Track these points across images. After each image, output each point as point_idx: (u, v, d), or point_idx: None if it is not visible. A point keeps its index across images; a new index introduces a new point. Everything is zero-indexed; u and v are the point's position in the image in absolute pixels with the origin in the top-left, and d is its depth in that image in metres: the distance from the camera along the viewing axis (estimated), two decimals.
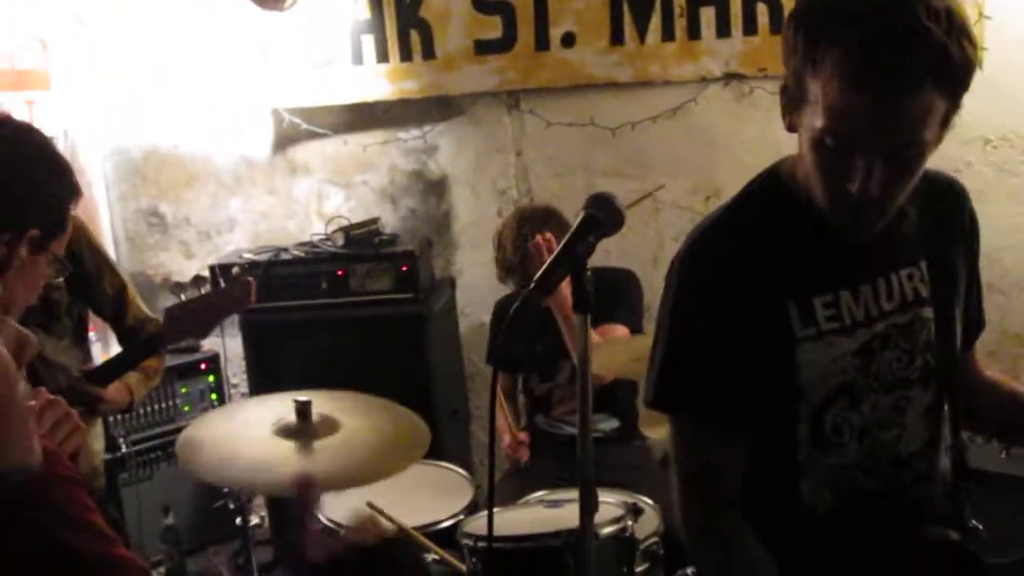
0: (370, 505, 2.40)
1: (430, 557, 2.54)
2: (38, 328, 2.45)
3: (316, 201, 4.27)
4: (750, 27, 3.74)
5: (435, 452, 2.61)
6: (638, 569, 2.40)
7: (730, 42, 3.77)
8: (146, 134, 4.28)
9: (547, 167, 4.06)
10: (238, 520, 3.10)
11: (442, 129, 4.12)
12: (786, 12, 3.63)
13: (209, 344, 3.93)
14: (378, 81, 3.99)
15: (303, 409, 2.27)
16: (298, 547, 1.11)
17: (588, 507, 1.58)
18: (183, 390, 3.89)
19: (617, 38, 3.84)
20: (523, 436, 3.34)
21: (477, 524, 2.49)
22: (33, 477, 1.02)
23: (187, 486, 3.77)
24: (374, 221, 4.02)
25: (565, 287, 1.51)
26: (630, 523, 2.38)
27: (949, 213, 1.71)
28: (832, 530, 1.65)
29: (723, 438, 1.62)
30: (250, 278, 2.66)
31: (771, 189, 1.65)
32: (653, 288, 3.65)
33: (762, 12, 3.71)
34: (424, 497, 2.83)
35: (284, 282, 3.79)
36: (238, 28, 4.01)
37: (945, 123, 1.47)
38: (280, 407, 2.29)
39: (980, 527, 1.73)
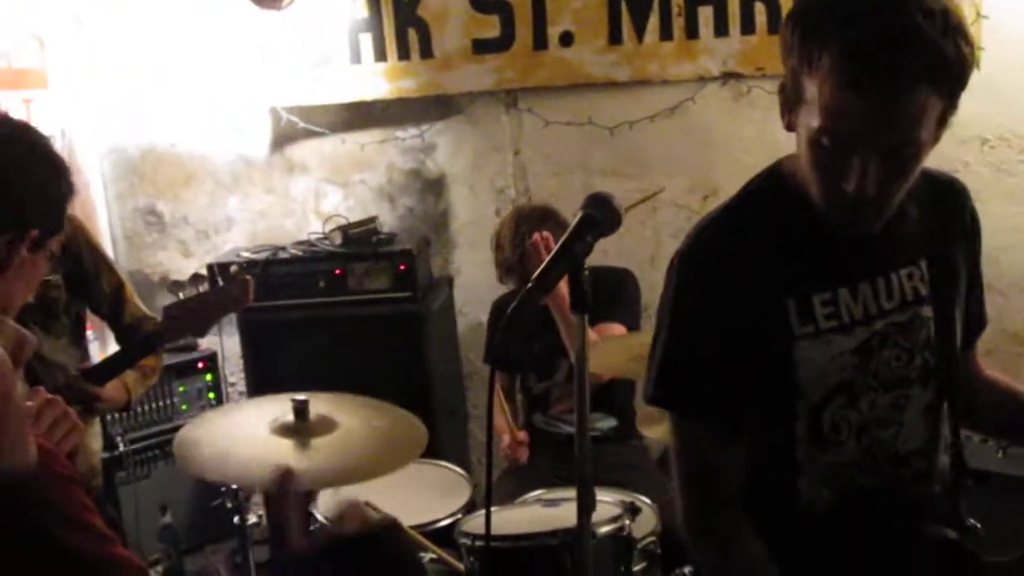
0: (368, 504, 2.40)
1: (428, 556, 2.54)
2: (36, 326, 2.45)
3: (314, 200, 4.26)
4: (748, 26, 3.74)
5: (433, 451, 2.62)
6: (635, 568, 2.40)
7: (728, 41, 3.77)
8: (144, 133, 4.28)
9: (545, 166, 4.06)
10: (236, 519, 3.09)
11: (440, 128, 4.12)
12: (784, 11, 3.66)
13: (207, 343, 3.93)
14: (376, 80, 3.99)
15: (300, 408, 2.28)
16: (283, 539, 1.09)
17: (585, 506, 1.58)
18: (181, 389, 3.89)
19: (615, 37, 3.84)
20: (522, 436, 3.34)
21: (475, 523, 2.49)
22: (31, 476, 1.02)
23: (185, 485, 3.77)
24: (372, 220, 4.02)
25: (563, 286, 1.51)
26: (627, 522, 2.38)
27: (950, 212, 1.72)
28: (830, 528, 1.65)
29: (722, 436, 1.62)
30: (248, 277, 2.66)
31: (771, 188, 1.66)
32: (651, 287, 3.65)
33: (760, 11, 3.71)
34: (422, 496, 2.84)
35: (282, 281, 3.79)
36: (236, 27, 4.01)
37: (942, 123, 1.47)
38: (277, 407, 2.30)
39: (978, 526, 1.73)
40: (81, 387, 2.46)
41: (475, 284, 4.11)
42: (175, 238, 4.38)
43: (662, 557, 2.48)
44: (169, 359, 3.40)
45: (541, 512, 2.59)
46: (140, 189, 4.35)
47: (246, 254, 3.92)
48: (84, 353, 2.70)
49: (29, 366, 2.27)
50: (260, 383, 3.83)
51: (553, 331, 3.09)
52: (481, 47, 3.91)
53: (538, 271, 1.48)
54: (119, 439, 3.61)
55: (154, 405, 3.79)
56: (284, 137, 4.21)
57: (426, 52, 3.94)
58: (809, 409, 1.61)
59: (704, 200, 3.89)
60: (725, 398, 1.60)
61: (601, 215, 1.53)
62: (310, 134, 4.16)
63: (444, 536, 2.59)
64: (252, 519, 3.17)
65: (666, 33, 3.80)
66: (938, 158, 1.57)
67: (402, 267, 3.77)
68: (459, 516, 2.67)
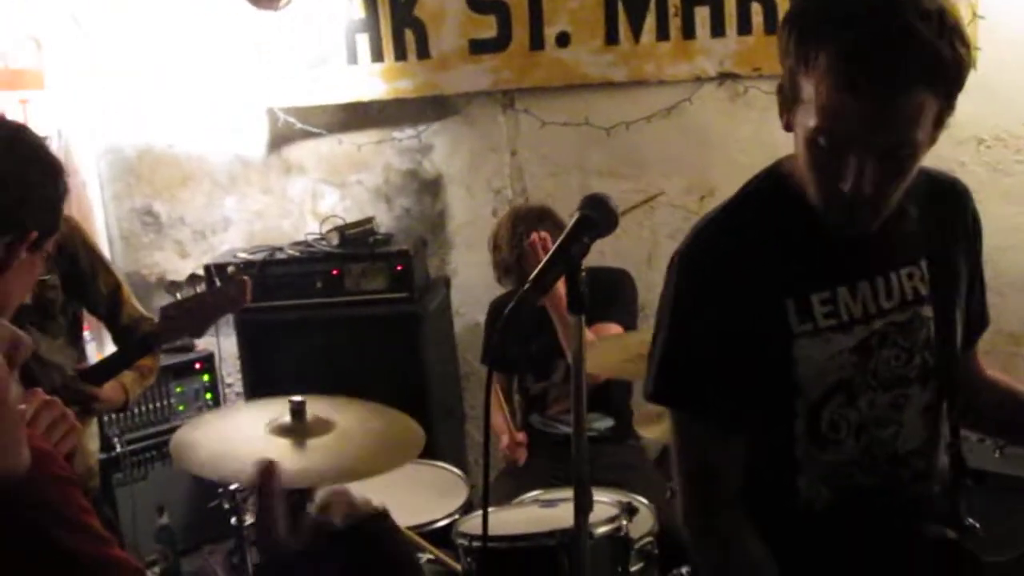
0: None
1: (425, 557, 2.54)
2: (33, 327, 2.45)
3: (311, 200, 4.26)
4: (744, 27, 3.74)
5: (430, 452, 2.62)
6: (633, 569, 2.40)
7: (724, 42, 3.77)
8: (140, 133, 4.27)
9: (542, 167, 4.06)
10: (233, 520, 3.09)
11: (437, 128, 4.12)
12: (780, 12, 3.70)
13: (204, 344, 3.92)
14: (373, 80, 3.99)
15: (298, 409, 2.29)
16: (267, 535, 1.05)
17: (583, 506, 1.58)
18: (178, 390, 3.88)
19: (612, 38, 3.84)
20: (521, 437, 3.34)
21: (472, 524, 2.50)
22: (28, 478, 1.01)
23: (182, 486, 3.77)
24: (369, 220, 4.02)
25: (560, 286, 1.52)
26: (625, 522, 2.39)
27: (951, 213, 1.72)
28: (829, 527, 1.65)
29: (722, 435, 1.63)
30: (245, 277, 2.66)
31: (770, 188, 1.66)
32: (648, 287, 3.66)
33: (756, 12, 3.72)
34: (419, 497, 2.84)
35: (279, 281, 3.79)
36: (233, 27, 4.01)
37: (939, 123, 1.48)
38: (275, 409, 2.31)
39: (977, 525, 1.74)
40: (79, 388, 2.46)
41: (472, 285, 4.11)
42: (172, 239, 4.38)
43: (659, 557, 2.49)
44: (166, 360, 3.40)
45: (538, 512, 2.59)
46: (137, 190, 4.35)
47: (243, 255, 3.92)
48: (81, 354, 2.69)
49: (26, 367, 2.26)
50: (257, 384, 3.83)
51: (550, 332, 3.09)
52: (478, 47, 3.91)
53: (535, 272, 1.48)
54: (116, 440, 3.60)
55: (151, 406, 3.78)
56: (281, 138, 4.20)
57: (423, 52, 3.94)
58: (808, 407, 1.61)
59: (701, 201, 3.90)
60: (725, 396, 1.60)
61: (598, 216, 1.53)
62: (307, 135, 4.16)
63: (441, 537, 2.59)
64: (249, 520, 3.17)
65: (663, 33, 3.80)
66: (935, 158, 1.58)
67: (399, 268, 3.77)
68: (456, 517, 2.67)
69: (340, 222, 3.98)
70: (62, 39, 4.06)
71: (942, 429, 1.71)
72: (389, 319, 3.75)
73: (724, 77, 3.82)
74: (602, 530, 2.34)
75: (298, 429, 2.28)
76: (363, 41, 3.96)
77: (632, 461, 3.27)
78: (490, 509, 1.72)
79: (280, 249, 3.95)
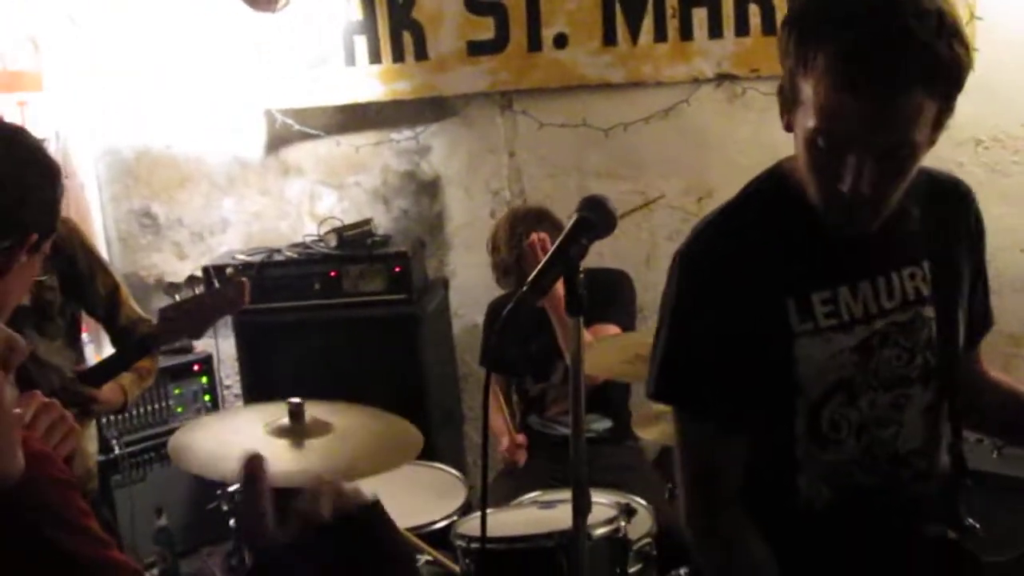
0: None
1: (423, 558, 2.54)
2: (31, 329, 2.45)
3: (309, 202, 4.26)
4: (742, 28, 3.75)
5: (428, 453, 2.62)
6: (631, 570, 2.40)
7: (722, 43, 3.78)
8: (138, 135, 4.27)
9: (540, 168, 4.06)
10: (231, 521, 3.09)
11: (435, 130, 4.12)
12: (778, 13, 3.70)
13: (202, 345, 3.92)
14: (371, 82, 3.99)
15: (296, 410, 2.29)
16: (253, 531, 1.01)
17: (581, 508, 1.58)
18: (176, 391, 3.88)
19: (609, 39, 3.84)
20: (521, 439, 3.34)
21: (470, 525, 2.49)
22: (27, 480, 1.01)
23: (180, 487, 3.76)
24: (367, 222, 4.02)
25: (559, 288, 1.52)
26: (623, 524, 2.39)
27: (953, 213, 1.72)
28: (829, 526, 1.65)
29: (724, 434, 1.63)
30: (244, 279, 2.66)
31: (771, 188, 1.67)
32: (646, 288, 3.66)
33: (754, 13, 3.72)
34: (418, 498, 2.84)
35: (277, 283, 3.79)
36: (231, 29, 4.01)
37: (938, 125, 1.48)
38: (273, 412, 2.31)
39: (977, 526, 1.74)
40: (77, 389, 2.46)
41: (470, 286, 4.11)
42: (170, 240, 4.38)
43: (658, 558, 2.49)
44: (164, 362, 3.40)
45: (537, 514, 2.59)
46: (135, 191, 4.35)
47: (241, 256, 3.91)
48: (79, 355, 2.69)
49: (24, 369, 2.26)
50: (256, 385, 3.82)
51: (549, 333, 3.09)
52: (475, 49, 3.91)
53: (534, 273, 1.49)
54: (114, 442, 3.60)
55: (149, 408, 3.78)
56: (279, 139, 4.20)
57: (421, 54, 3.94)
58: (808, 406, 1.62)
59: (699, 202, 3.90)
60: (726, 395, 1.61)
61: (596, 218, 1.54)
62: (305, 136, 4.16)
63: (440, 538, 2.59)
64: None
65: (660, 35, 3.81)
66: (932, 159, 1.58)
67: (397, 269, 3.76)
68: (455, 518, 2.67)
69: (338, 223, 3.98)
70: (60, 40, 4.07)
71: (943, 429, 1.71)
72: (387, 320, 3.75)
73: (722, 78, 3.82)
74: (600, 531, 2.34)
75: (296, 430, 2.29)
76: (361, 43, 3.96)
77: (630, 462, 3.27)
78: (488, 510, 1.72)
79: (278, 251, 3.95)
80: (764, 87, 3.72)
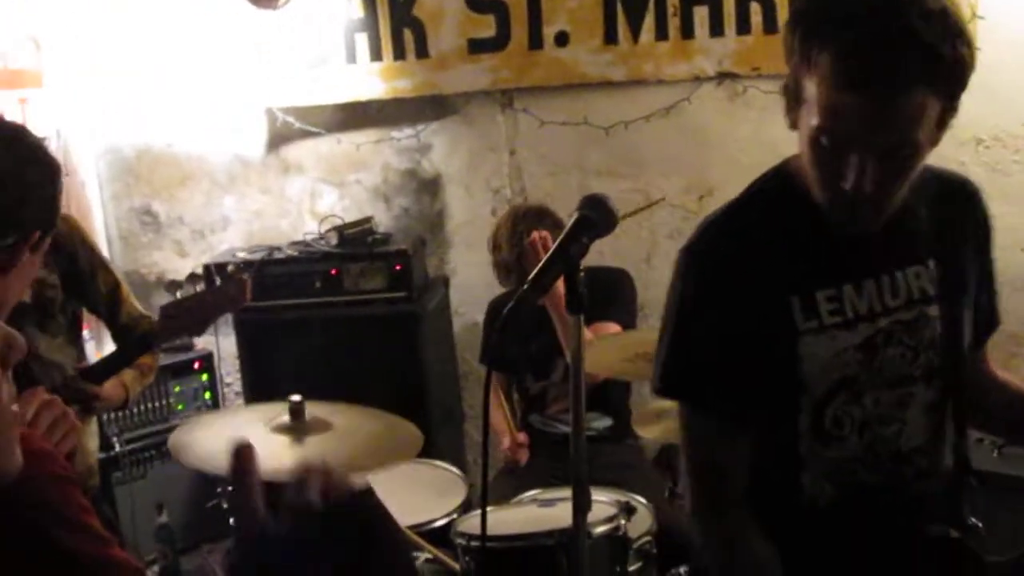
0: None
1: (423, 556, 2.55)
2: (33, 326, 2.46)
3: (309, 200, 4.26)
4: (743, 26, 3.74)
5: (429, 451, 2.62)
6: (631, 568, 2.40)
7: (723, 41, 3.77)
8: (139, 133, 4.27)
9: (541, 166, 4.06)
10: (232, 519, 3.09)
11: (435, 128, 4.12)
12: (779, 11, 3.70)
13: (203, 343, 3.93)
14: (372, 80, 3.99)
15: (296, 408, 2.30)
16: (243, 521, 0.99)
17: (581, 506, 1.58)
18: (176, 389, 3.88)
19: (611, 37, 3.84)
20: (522, 437, 3.34)
21: (470, 523, 2.50)
22: (29, 478, 1.01)
23: (181, 485, 3.77)
24: (367, 220, 4.02)
25: (560, 286, 1.52)
26: (623, 522, 2.39)
27: (960, 213, 1.72)
28: (833, 524, 1.66)
29: (729, 431, 1.63)
30: (245, 276, 2.67)
31: (776, 186, 1.67)
32: (647, 287, 3.66)
33: (755, 11, 3.72)
34: (418, 496, 2.84)
35: (277, 281, 3.79)
36: (232, 27, 4.01)
37: (942, 124, 1.49)
38: (273, 411, 2.32)
39: (979, 525, 1.74)
40: (79, 386, 2.46)
41: (471, 284, 4.11)
42: (171, 238, 4.38)
43: (658, 557, 2.49)
44: (165, 359, 3.40)
45: (537, 512, 2.60)
46: (136, 189, 4.35)
47: (242, 254, 3.91)
48: (80, 353, 2.69)
49: (26, 366, 2.26)
50: (256, 383, 3.83)
51: (550, 331, 3.09)
52: (477, 47, 3.91)
53: (534, 272, 1.49)
54: (115, 439, 3.60)
55: (150, 405, 3.78)
56: (280, 137, 4.20)
57: (422, 52, 3.94)
58: (812, 404, 1.62)
59: (700, 200, 3.90)
60: (731, 391, 1.61)
61: (597, 216, 1.54)
62: (306, 134, 4.16)
63: (440, 536, 2.59)
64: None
65: (661, 33, 3.80)
66: (933, 158, 1.58)
67: (398, 267, 3.77)
68: (455, 516, 2.67)
69: (339, 221, 3.99)
70: (61, 39, 4.06)
71: (947, 428, 1.71)
72: (388, 319, 3.75)
73: (723, 77, 3.82)
74: (600, 529, 2.34)
75: (297, 428, 2.29)
76: (362, 40, 3.96)
77: (630, 461, 3.27)
78: (489, 508, 1.72)
79: (279, 249, 3.95)
80: (765, 86, 3.72)
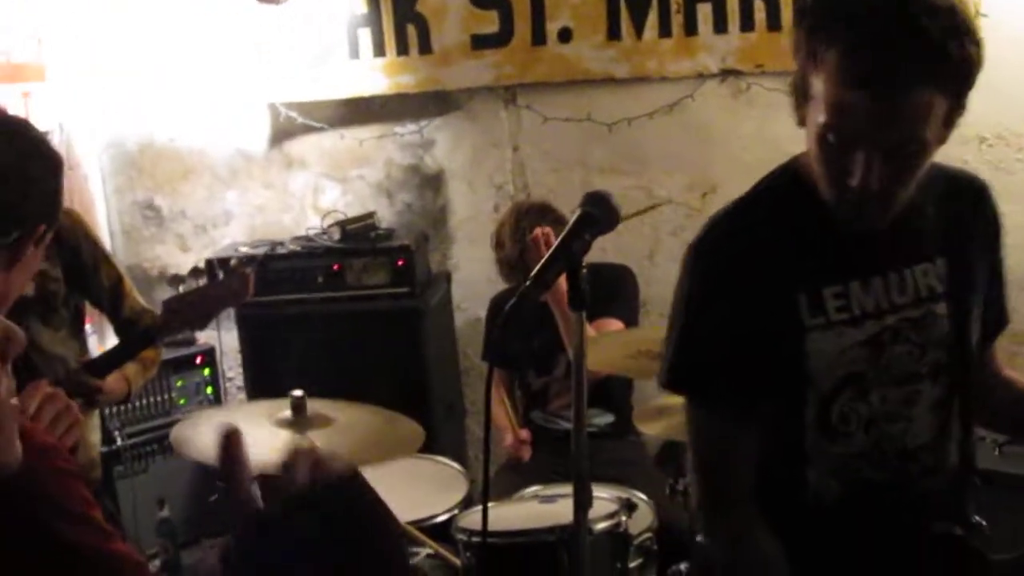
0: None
1: (424, 551, 2.55)
2: (36, 319, 2.46)
3: (312, 195, 4.26)
4: (747, 23, 3.74)
5: (430, 446, 2.63)
6: (632, 564, 2.41)
7: (727, 38, 3.77)
8: (142, 127, 4.27)
9: (544, 162, 4.06)
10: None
11: (439, 124, 4.11)
12: (783, 8, 3.69)
13: (205, 338, 3.93)
14: (375, 75, 3.99)
15: (298, 403, 2.31)
16: (234, 506, 0.97)
17: (582, 502, 1.59)
18: (178, 383, 3.89)
19: (614, 33, 3.83)
20: (525, 434, 3.34)
21: (471, 519, 2.50)
22: (32, 471, 1.01)
23: (182, 479, 3.77)
24: (370, 215, 4.02)
25: (562, 282, 1.52)
26: (624, 519, 2.39)
27: (968, 211, 1.72)
28: (838, 520, 1.66)
29: (736, 425, 1.64)
30: (248, 270, 2.67)
31: (785, 183, 1.67)
32: (649, 283, 3.66)
33: (759, 8, 3.71)
34: (419, 491, 2.84)
35: (280, 276, 3.79)
36: (235, 22, 4.01)
37: (949, 122, 1.48)
38: (276, 405, 2.33)
39: (983, 523, 1.74)
40: (82, 380, 2.46)
41: (473, 280, 4.11)
42: (173, 232, 4.38)
43: (658, 553, 2.49)
44: (167, 354, 3.40)
45: (538, 508, 2.60)
46: (138, 183, 4.35)
47: (244, 249, 3.92)
48: (83, 346, 2.70)
49: (29, 359, 2.27)
50: (258, 378, 3.83)
51: (552, 327, 3.09)
52: (480, 43, 3.91)
53: (536, 268, 1.49)
54: (117, 433, 3.61)
55: (152, 399, 3.79)
56: (283, 132, 4.20)
57: (425, 48, 3.94)
58: (819, 399, 1.62)
59: (703, 197, 3.89)
60: (738, 386, 1.62)
61: (599, 213, 1.54)
62: (309, 129, 4.16)
63: (441, 531, 2.60)
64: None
65: (665, 30, 3.80)
66: (937, 156, 1.58)
67: (400, 262, 3.77)
68: (456, 512, 2.68)
69: (341, 217, 3.99)
70: (64, 32, 4.06)
71: (953, 426, 1.71)
72: (390, 314, 3.75)
73: (726, 74, 3.81)
74: (601, 526, 2.34)
75: (299, 422, 2.30)
76: (365, 36, 3.96)
77: (632, 457, 3.27)
78: (490, 504, 1.72)
79: (281, 244, 3.95)
80: (769, 83, 3.72)
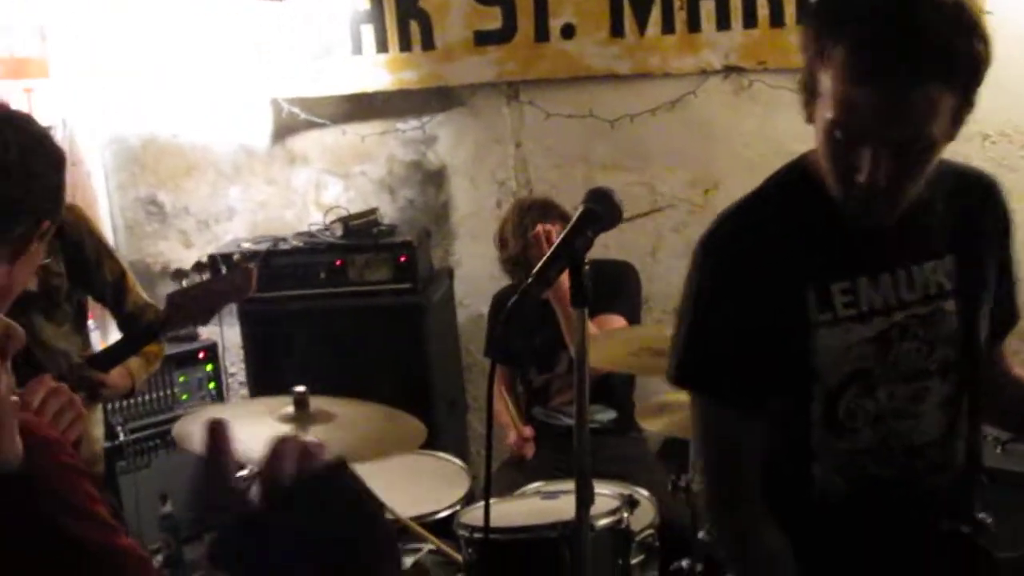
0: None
1: (426, 547, 2.55)
2: (39, 314, 2.47)
3: (315, 191, 4.27)
4: (750, 20, 3.73)
5: (432, 443, 2.63)
6: (633, 561, 2.41)
7: (730, 35, 3.76)
8: (145, 123, 4.27)
9: (546, 158, 4.06)
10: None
11: (441, 120, 4.11)
12: (786, 5, 3.69)
13: (207, 333, 3.93)
14: (377, 71, 3.99)
15: (301, 399, 2.31)
16: (217, 501, 0.96)
17: (584, 499, 1.59)
18: (181, 379, 3.89)
19: (617, 30, 3.83)
20: (528, 432, 3.34)
21: (473, 515, 2.50)
22: (36, 466, 1.01)
23: (185, 474, 3.77)
24: (372, 211, 4.02)
25: (564, 279, 1.52)
26: (626, 515, 2.39)
27: (978, 207, 1.72)
28: (844, 517, 1.66)
29: (743, 421, 1.64)
30: (251, 265, 2.67)
31: (794, 179, 1.68)
32: (651, 280, 3.66)
33: (762, 5, 3.71)
34: (421, 487, 2.85)
35: (283, 272, 3.79)
36: (238, 18, 4.01)
37: (957, 119, 1.48)
38: (279, 401, 2.34)
39: (989, 520, 1.74)
40: (85, 374, 2.47)
41: (476, 276, 4.11)
42: (176, 228, 4.39)
43: (660, 550, 2.50)
44: (169, 349, 3.40)
45: (540, 504, 2.60)
46: (141, 179, 4.35)
47: (247, 245, 3.92)
48: (86, 341, 2.71)
49: (32, 354, 2.28)
50: (260, 374, 3.83)
51: (554, 324, 3.09)
52: (483, 39, 3.91)
53: (539, 265, 1.49)
54: (119, 428, 3.61)
55: (154, 395, 3.79)
56: (285, 128, 4.20)
57: (428, 44, 3.94)
58: (825, 395, 1.63)
59: (705, 194, 3.89)
60: (746, 382, 1.62)
61: (602, 210, 1.55)
62: (311, 125, 4.16)
63: (443, 527, 2.60)
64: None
65: (668, 26, 3.80)
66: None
67: (402, 259, 3.77)
68: (458, 508, 2.68)
69: (344, 213, 3.99)
70: (67, 27, 4.06)
71: (961, 423, 1.71)
72: (392, 310, 3.75)
73: (729, 70, 3.81)
74: (603, 522, 2.34)
75: (301, 418, 2.30)
76: (368, 32, 3.96)
77: (634, 454, 3.28)
78: (492, 500, 1.72)
79: (284, 239, 3.95)
80: (771, 80, 3.72)
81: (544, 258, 1.51)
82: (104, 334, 3.74)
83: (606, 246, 3.56)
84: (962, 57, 1.41)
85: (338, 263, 3.79)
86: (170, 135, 4.28)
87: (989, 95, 1.55)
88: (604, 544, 2.35)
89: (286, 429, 2.27)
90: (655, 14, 3.79)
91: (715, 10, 3.75)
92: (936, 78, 1.41)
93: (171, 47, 4.10)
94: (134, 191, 4.37)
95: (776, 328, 1.60)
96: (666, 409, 2.81)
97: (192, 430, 2.34)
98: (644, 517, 2.50)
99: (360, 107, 4.12)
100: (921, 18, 1.38)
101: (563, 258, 1.51)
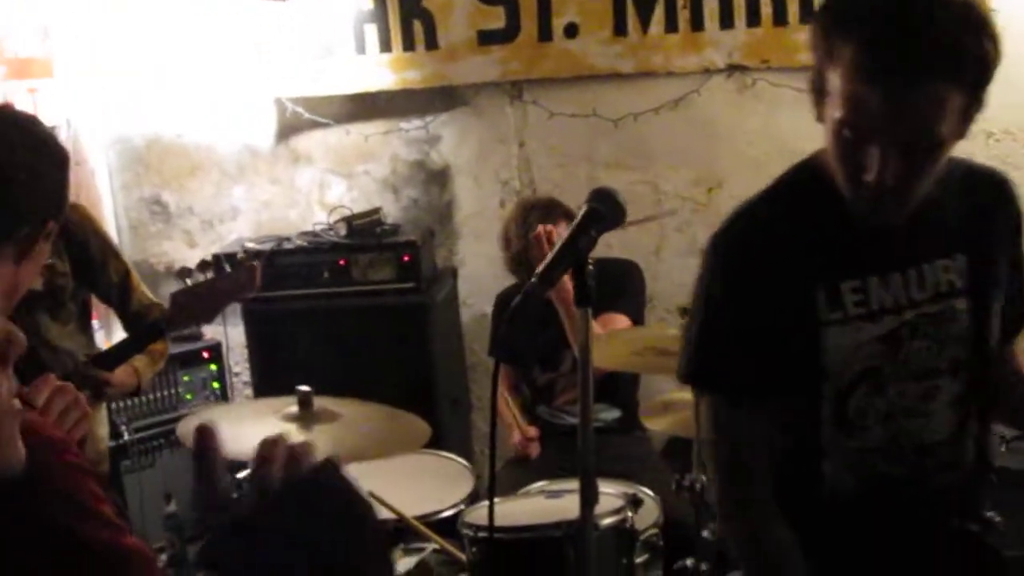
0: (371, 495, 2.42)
1: (430, 547, 2.55)
2: (44, 313, 2.47)
3: (318, 191, 4.27)
4: (753, 19, 3.73)
5: (436, 442, 2.63)
6: (638, 560, 2.40)
7: (733, 33, 3.76)
8: (149, 123, 4.28)
9: (550, 158, 4.06)
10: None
11: (445, 119, 4.11)
12: (789, 4, 3.69)
13: (211, 333, 3.94)
14: (381, 71, 3.99)
15: (305, 398, 2.31)
16: (208, 503, 0.95)
17: (588, 498, 1.59)
18: (185, 378, 3.89)
19: (620, 29, 3.83)
20: (532, 432, 3.34)
21: (477, 514, 2.50)
22: (41, 466, 1.02)
23: (189, 474, 3.76)
24: (376, 211, 4.02)
25: (568, 279, 1.53)
26: (630, 514, 2.39)
27: (989, 205, 1.72)
28: (854, 515, 1.67)
29: (754, 419, 1.65)
30: (255, 263, 2.68)
31: (804, 178, 1.68)
32: (655, 279, 3.66)
33: (765, 3, 3.71)
34: (425, 486, 2.85)
35: (286, 271, 3.79)
36: (242, 17, 4.01)
37: (966, 117, 1.48)
38: (284, 401, 2.34)
39: (997, 519, 1.74)
40: (90, 373, 2.47)
41: (479, 275, 4.12)
42: (180, 228, 4.39)
43: (664, 549, 2.49)
44: (174, 349, 3.41)
45: (544, 503, 2.60)
46: (145, 179, 4.36)
47: (251, 244, 3.92)
48: (90, 340, 2.71)
49: (37, 353, 2.28)
50: (264, 373, 3.84)
51: (558, 324, 3.09)
52: (486, 38, 3.91)
53: (542, 265, 1.49)
54: (123, 428, 3.61)
55: (159, 394, 3.79)
56: (289, 128, 4.21)
57: (431, 43, 3.94)
58: (835, 393, 1.63)
59: (708, 193, 3.89)
60: (757, 380, 1.62)
61: (605, 209, 1.55)
62: (315, 125, 4.17)
63: (447, 527, 2.60)
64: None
65: (671, 25, 3.80)
66: None
67: (406, 258, 3.77)
68: (462, 507, 2.68)
69: (347, 212, 3.99)
70: (71, 28, 4.07)
71: (971, 422, 1.71)
72: (396, 309, 3.76)
73: (733, 69, 3.81)
74: (607, 521, 2.34)
75: (305, 417, 2.31)
76: (371, 31, 3.96)
77: (638, 453, 3.27)
78: (496, 500, 1.73)
79: (288, 239, 3.96)
80: (774, 78, 3.71)
81: (548, 258, 1.51)
82: (108, 333, 3.75)
83: (610, 245, 3.56)
84: (970, 56, 1.41)
85: (342, 263, 3.79)
86: (174, 135, 4.29)
87: (993, 93, 1.55)
88: (608, 543, 2.35)
89: (290, 429, 2.27)
90: (658, 13, 3.79)
91: (718, 9, 3.75)
92: (944, 77, 1.41)
93: (175, 47, 4.11)
94: (138, 191, 4.37)
95: (786, 327, 1.60)
96: (670, 408, 2.81)
97: (199, 418, 2.35)
98: (648, 516, 2.50)
99: (364, 107, 4.12)
100: (930, 16, 1.38)
101: (567, 258, 1.51)
